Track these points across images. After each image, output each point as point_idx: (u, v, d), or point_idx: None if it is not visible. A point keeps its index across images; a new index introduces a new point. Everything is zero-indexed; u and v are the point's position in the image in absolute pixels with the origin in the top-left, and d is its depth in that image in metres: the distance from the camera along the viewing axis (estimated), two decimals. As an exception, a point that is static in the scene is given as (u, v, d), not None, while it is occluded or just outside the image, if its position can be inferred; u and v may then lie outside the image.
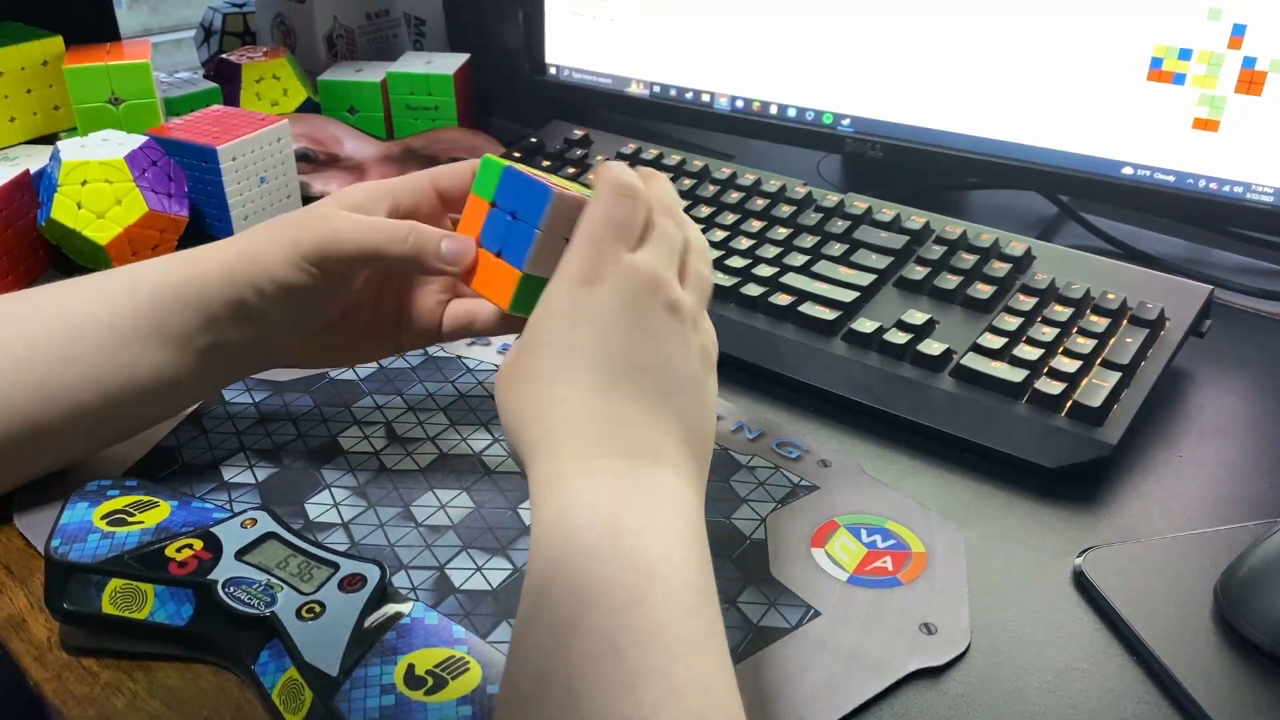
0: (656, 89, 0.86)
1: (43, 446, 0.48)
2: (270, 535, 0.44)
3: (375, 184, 0.49)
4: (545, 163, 0.79)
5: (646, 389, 0.37)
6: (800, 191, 0.70)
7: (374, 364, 0.60)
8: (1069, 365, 0.53)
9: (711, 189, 0.72)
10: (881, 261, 0.62)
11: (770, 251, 0.65)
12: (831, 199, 0.68)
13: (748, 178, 0.72)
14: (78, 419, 0.47)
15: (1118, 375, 0.53)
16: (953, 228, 0.64)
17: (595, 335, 0.37)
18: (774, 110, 0.81)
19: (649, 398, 0.37)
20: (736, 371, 0.60)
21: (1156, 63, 0.65)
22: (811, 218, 0.67)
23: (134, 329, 0.47)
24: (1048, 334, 0.56)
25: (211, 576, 0.41)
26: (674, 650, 0.31)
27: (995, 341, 0.55)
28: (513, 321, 0.48)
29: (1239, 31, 0.62)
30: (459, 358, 0.61)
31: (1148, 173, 0.68)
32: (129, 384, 0.47)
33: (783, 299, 0.60)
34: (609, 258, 0.39)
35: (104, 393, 0.47)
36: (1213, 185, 0.66)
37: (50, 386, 0.46)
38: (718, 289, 0.62)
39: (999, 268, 0.61)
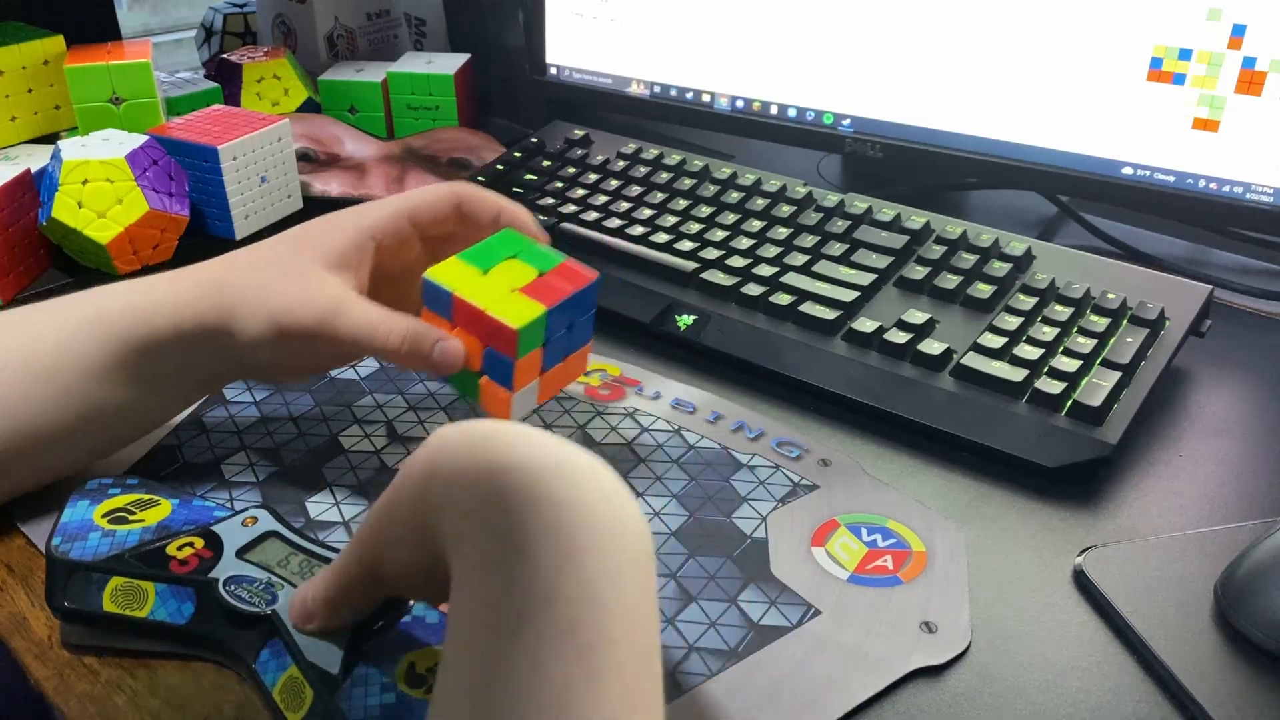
0: (656, 89, 0.86)
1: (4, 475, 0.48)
2: (271, 534, 0.44)
3: (357, 230, 0.49)
4: (546, 163, 0.79)
5: None
6: (800, 191, 0.70)
7: (374, 363, 0.60)
8: (1069, 365, 0.53)
9: (711, 189, 0.72)
10: (882, 261, 0.63)
11: (770, 251, 0.65)
12: (831, 199, 0.68)
13: (748, 178, 0.72)
14: (40, 446, 0.47)
15: (1118, 375, 0.53)
16: (953, 228, 0.64)
17: None
18: (774, 110, 0.81)
19: None
20: (737, 371, 0.60)
21: (1156, 63, 0.66)
22: (812, 218, 0.67)
23: (103, 369, 0.47)
24: (1048, 334, 0.56)
25: (212, 575, 0.41)
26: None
27: (995, 341, 0.55)
28: None
29: (1239, 32, 0.62)
30: (459, 357, 0.61)
31: (1148, 173, 0.68)
32: (94, 420, 0.47)
33: (783, 299, 0.60)
34: None
35: (66, 425, 0.47)
36: (1213, 185, 0.66)
37: (14, 418, 0.46)
38: (720, 289, 0.62)
39: (999, 267, 0.61)
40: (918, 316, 0.58)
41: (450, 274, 0.46)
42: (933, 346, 0.56)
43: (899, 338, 0.56)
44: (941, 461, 0.53)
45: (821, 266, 0.63)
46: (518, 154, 0.80)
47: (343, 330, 0.46)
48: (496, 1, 1.00)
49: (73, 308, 0.48)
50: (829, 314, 0.59)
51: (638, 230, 0.68)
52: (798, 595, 0.44)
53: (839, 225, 0.66)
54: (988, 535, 0.48)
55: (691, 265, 0.64)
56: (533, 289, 0.45)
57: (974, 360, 0.55)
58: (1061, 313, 0.57)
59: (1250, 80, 0.63)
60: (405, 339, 0.46)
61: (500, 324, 0.44)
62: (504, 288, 0.45)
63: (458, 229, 0.51)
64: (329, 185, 0.79)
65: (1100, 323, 0.56)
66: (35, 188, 0.69)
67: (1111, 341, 0.55)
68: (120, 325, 0.47)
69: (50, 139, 0.80)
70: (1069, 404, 0.52)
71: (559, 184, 0.76)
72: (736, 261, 0.64)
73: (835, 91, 0.78)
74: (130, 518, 0.44)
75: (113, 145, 0.67)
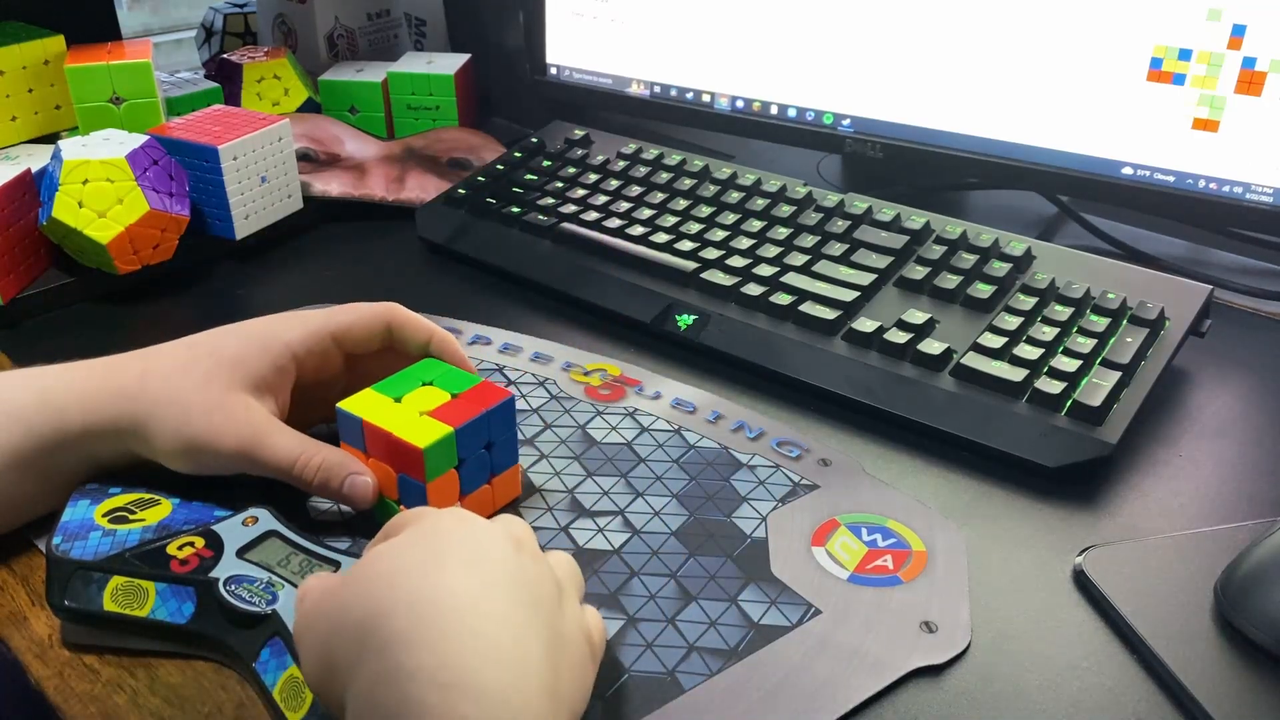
0: (656, 89, 0.86)
1: None
2: (271, 533, 0.44)
3: (279, 352, 0.47)
4: (546, 163, 0.79)
5: None
6: (800, 191, 0.70)
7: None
8: (1069, 365, 0.53)
9: (711, 189, 0.72)
10: (882, 261, 0.63)
11: (771, 251, 0.65)
12: (831, 199, 0.68)
13: (748, 178, 0.72)
14: None
15: (1118, 375, 0.53)
16: (953, 228, 0.64)
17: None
18: (774, 110, 0.81)
19: None
20: (737, 371, 0.60)
21: (1156, 63, 0.66)
22: (812, 218, 0.67)
23: (5, 462, 0.45)
24: (1048, 333, 0.56)
25: (213, 574, 0.42)
26: None
27: (995, 341, 0.55)
28: None
29: (1239, 32, 0.62)
30: (460, 357, 0.61)
31: (1148, 173, 0.68)
32: None
33: (783, 298, 0.60)
34: None
35: None
36: (1212, 185, 0.66)
37: None
38: (720, 289, 0.62)
39: (999, 267, 0.61)
40: (918, 316, 0.58)
41: (362, 403, 0.46)
42: (933, 346, 0.56)
43: (899, 338, 0.56)
44: (941, 461, 0.53)
45: (821, 266, 0.63)
46: (518, 154, 0.80)
47: (261, 461, 0.46)
48: (496, 1, 1.00)
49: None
50: (829, 314, 0.59)
51: (638, 230, 0.68)
52: (798, 595, 0.44)
53: (839, 225, 0.66)
54: (988, 535, 0.48)
55: (691, 265, 0.64)
56: (442, 411, 0.46)
57: (974, 360, 0.55)
58: (1061, 313, 0.57)
59: (1250, 80, 0.63)
60: (319, 470, 0.46)
61: (407, 445, 0.44)
62: (414, 412, 0.46)
63: (386, 349, 0.51)
64: (329, 185, 0.79)
65: (1100, 323, 0.56)
66: (35, 187, 0.69)
67: (1111, 341, 0.55)
68: (29, 420, 0.45)
69: (50, 139, 0.80)
70: (1069, 404, 0.52)
71: (559, 184, 0.76)
72: (736, 261, 0.64)
73: (835, 91, 0.78)
74: (131, 517, 0.44)
75: (113, 145, 0.67)
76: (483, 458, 0.47)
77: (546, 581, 0.37)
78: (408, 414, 0.45)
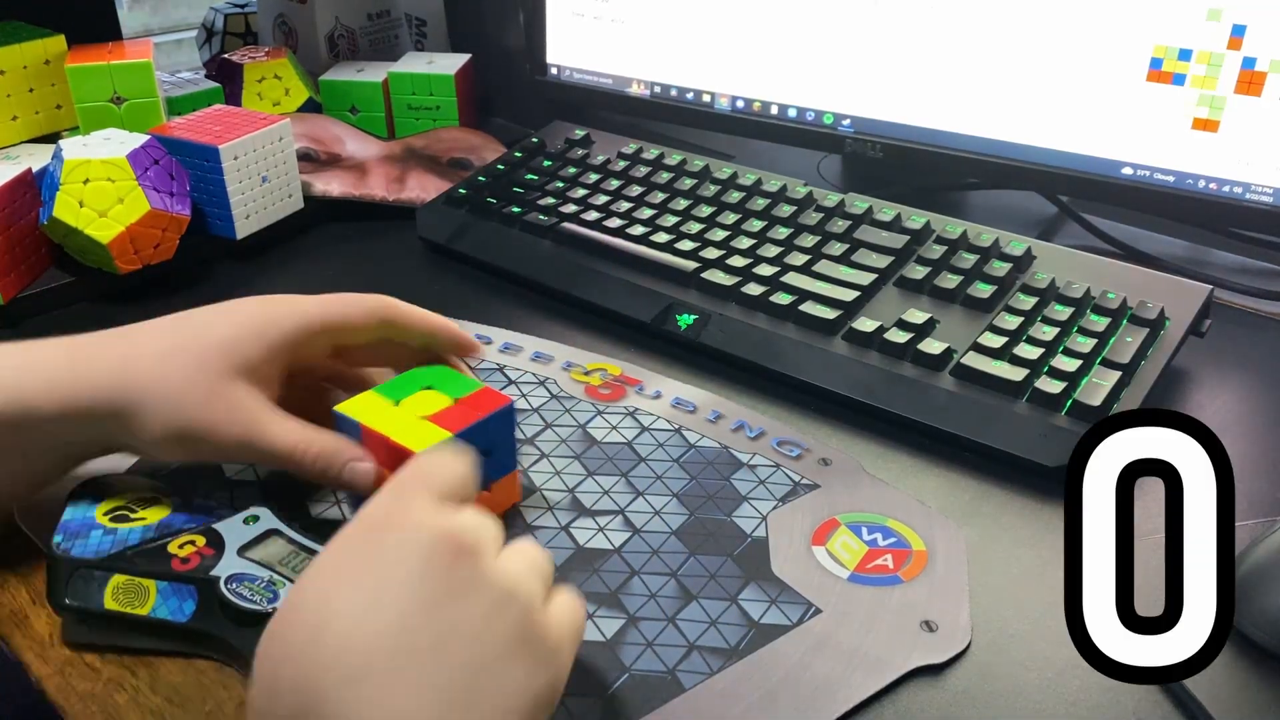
0: (657, 89, 0.86)
1: None
2: (272, 531, 0.44)
3: (274, 342, 0.46)
4: (546, 163, 0.79)
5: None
6: (800, 191, 0.70)
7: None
8: (1069, 364, 0.53)
9: (712, 189, 0.72)
10: (882, 261, 0.63)
11: (771, 251, 0.65)
12: (831, 199, 0.68)
13: (748, 178, 0.72)
14: None
15: (1118, 374, 0.53)
16: (953, 228, 0.64)
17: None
18: (774, 110, 0.81)
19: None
20: (738, 371, 0.60)
21: (1156, 63, 0.66)
22: (812, 217, 0.67)
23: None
24: (1048, 333, 0.56)
25: (214, 573, 0.42)
26: None
27: (995, 341, 0.55)
28: None
29: (1239, 32, 0.62)
30: (460, 356, 0.62)
31: (1147, 173, 0.68)
32: None
33: (783, 298, 0.61)
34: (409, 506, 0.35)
35: None
36: (1212, 185, 0.66)
37: None
38: (720, 289, 0.62)
39: (999, 267, 0.61)
40: (918, 316, 0.58)
41: (360, 407, 0.46)
42: (933, 346, 0.56)
43: (899, 337, 0.57)
44: (942, 461, 0.53)
45: (822, 266, 0.63)
46: (518, 154, 0.80)
47: (260, 450, 0.45)
48: (497, 1, 1.00)
49: None
50: (829, 314, 0.59)
51: (638, 230, 0.68)
52: (798, 594, 0.44)
53: (839, 225, 0.66)
54: (988, 534, 0.48)
55: (692, 265, 0.64)
56: (441, 416, 0.45)
57: (974, 360, 0.55)
58: (1061, 312, 0.57)
59: (1250, 80, 0.63)
60: (319, 458, 0.45)
61: (404, 450, 0.43)
62: (413, 416, 0.45)
63: (381, 339, 0.49)
64: (330, 185, 0.79)
65: (1100, 322, 0.56)
66: (36, 187, 0.69)
67: (1111, 341, 0.55)
68: (26, 406, 0.43)
69: (51, 138, 0.80)
70: (1069, 403, 0.52)
71: (559, 184, 0.76)
72: (737, 261, 0.64)
73: (835, 91, 0.78)
74: (132, 515, 0.45)
75: (114, 145, 0.67)
76: (480, 464, 0.46)
77: (480, 600, 0.33)
78: (406, 418, 0.45)
